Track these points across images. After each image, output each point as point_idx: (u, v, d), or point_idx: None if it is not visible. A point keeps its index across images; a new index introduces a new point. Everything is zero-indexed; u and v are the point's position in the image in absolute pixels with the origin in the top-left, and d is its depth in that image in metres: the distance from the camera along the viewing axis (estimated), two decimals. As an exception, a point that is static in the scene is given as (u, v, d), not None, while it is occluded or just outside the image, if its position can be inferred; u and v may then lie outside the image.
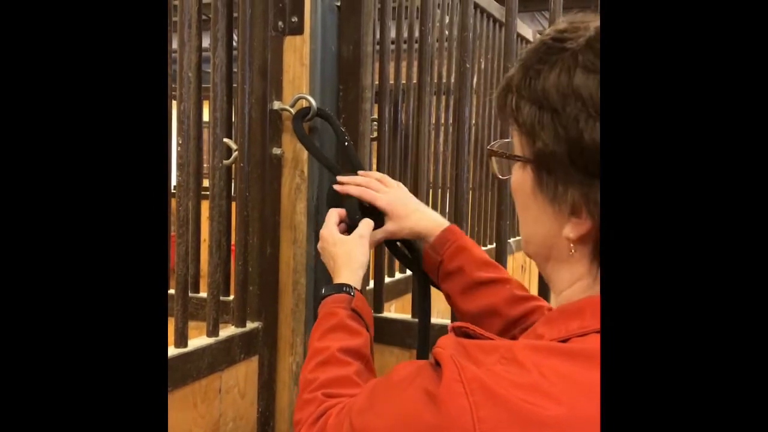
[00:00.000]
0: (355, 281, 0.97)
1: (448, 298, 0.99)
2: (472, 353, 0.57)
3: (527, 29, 2.73)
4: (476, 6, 2.29)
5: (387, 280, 1.70)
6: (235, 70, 1.22)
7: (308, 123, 1.24)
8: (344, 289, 0.95)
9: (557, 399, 0.51)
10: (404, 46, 1.84)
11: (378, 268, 1.35)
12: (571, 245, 0.61)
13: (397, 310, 1.72)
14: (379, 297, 1.34)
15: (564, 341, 0.57)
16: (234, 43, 1.19)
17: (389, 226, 1.02)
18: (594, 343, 0.55)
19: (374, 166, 1.50)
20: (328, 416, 0.73)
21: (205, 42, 1.40)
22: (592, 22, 0.59)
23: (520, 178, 0.64)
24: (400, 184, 1.07)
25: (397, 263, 1.86)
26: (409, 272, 1.78)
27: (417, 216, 1.02)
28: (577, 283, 0.62)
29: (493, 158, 0.69)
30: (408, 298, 1.76)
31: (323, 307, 0.94)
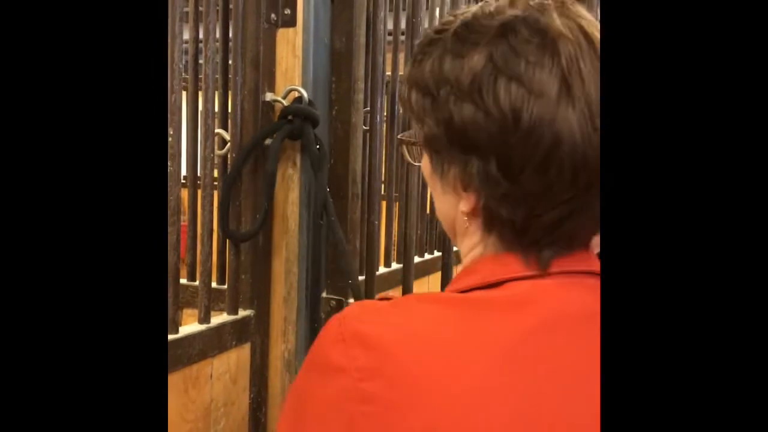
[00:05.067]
0: None
1: None
2: (380, 308, 0.62)
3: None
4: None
5: (382, 270, 1.72)
6: (224, 62, 1.23)
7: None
8: None
9: (397, 327, 0.58)
10: (402, 38, 1.85)
11: (369, 259, 1.37)
12: (466, 218, 0.66)
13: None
14: (370, 288, 1.36)
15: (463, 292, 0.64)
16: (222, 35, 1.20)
17: None
18: (494, 292, 0.62)
19: (368, 158, 1.52)
20: None
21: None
22: (468, 12, 0.64)
23: (424, 161, 0.70)
24: None
25: (394, 253, 1.88)
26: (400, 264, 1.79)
27: None
28: (473, 252, 0.68)
29: (403, 146, 0.75)
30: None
31: None
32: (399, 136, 0.74)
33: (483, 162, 0.61)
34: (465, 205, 0.65)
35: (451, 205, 0.67)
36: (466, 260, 0.69)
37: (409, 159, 0.75)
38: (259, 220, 1.20)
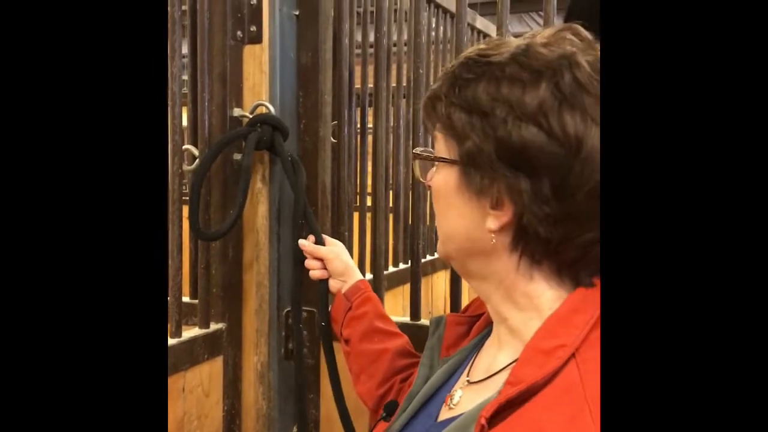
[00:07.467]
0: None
1: (347, 342, 1.09)
2: None
3: (489, 24, 2.73)
4: (437, 5, 2.36)
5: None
6: (193, 78, 1.25)
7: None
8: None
9: None
10: (371, 50, 1.88)
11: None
12: (492, 236, 0.67)
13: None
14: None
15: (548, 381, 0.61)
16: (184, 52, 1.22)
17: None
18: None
19: (337, 170, 1.54)
20: None
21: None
22: (512, 42, 0.68)
23: (445, 177, 0.70)
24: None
25: (367, 264, 1.90)
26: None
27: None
28: (500, 272, 0.69)
29: (417, 162, 0.75)
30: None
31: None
32: (414, 151, 0.74)
33: (533, 181, 0.63)
34: (494, 222, 0.66)
35: (475, 221, 0.68)
36: (490, 283, 0.70)
37: (419, 176, 0.76)
38: (232, 215, 1.18)
